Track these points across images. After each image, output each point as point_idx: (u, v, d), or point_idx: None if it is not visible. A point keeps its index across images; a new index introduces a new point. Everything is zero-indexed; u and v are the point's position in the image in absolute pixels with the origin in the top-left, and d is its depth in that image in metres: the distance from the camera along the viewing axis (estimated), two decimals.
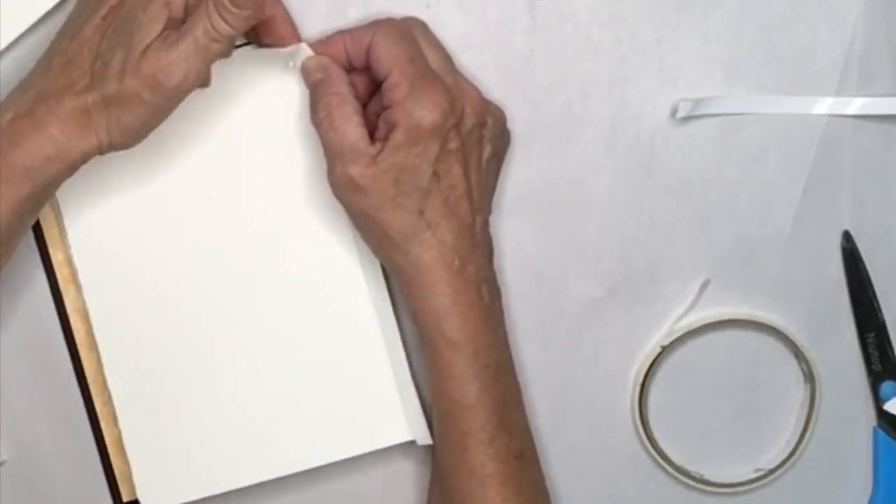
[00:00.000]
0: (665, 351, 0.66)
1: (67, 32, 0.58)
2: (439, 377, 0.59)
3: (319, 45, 0.60)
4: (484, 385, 0.59)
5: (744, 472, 0.68)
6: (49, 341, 0.63)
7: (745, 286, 0.66)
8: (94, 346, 0.62)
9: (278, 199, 0.62)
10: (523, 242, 0.65)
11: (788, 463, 0.67)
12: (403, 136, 0.57)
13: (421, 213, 0.58)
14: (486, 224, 0.61)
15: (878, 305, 0.66)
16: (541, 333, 0.65)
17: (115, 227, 0.62)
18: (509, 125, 0.63)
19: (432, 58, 0.59)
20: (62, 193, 0.60)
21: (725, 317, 0.66)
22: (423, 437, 0.63)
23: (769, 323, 0.66)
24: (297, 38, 0.60)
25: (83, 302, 0.62)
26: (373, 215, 0.58)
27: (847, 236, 0.66)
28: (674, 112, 0.64)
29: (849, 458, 0.68)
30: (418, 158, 0.57)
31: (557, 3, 0.63)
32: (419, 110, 0.57)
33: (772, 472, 0.67)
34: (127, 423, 0.62)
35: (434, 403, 0.60)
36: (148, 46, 0.55)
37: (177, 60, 0.55)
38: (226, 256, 0.62)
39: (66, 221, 0.62)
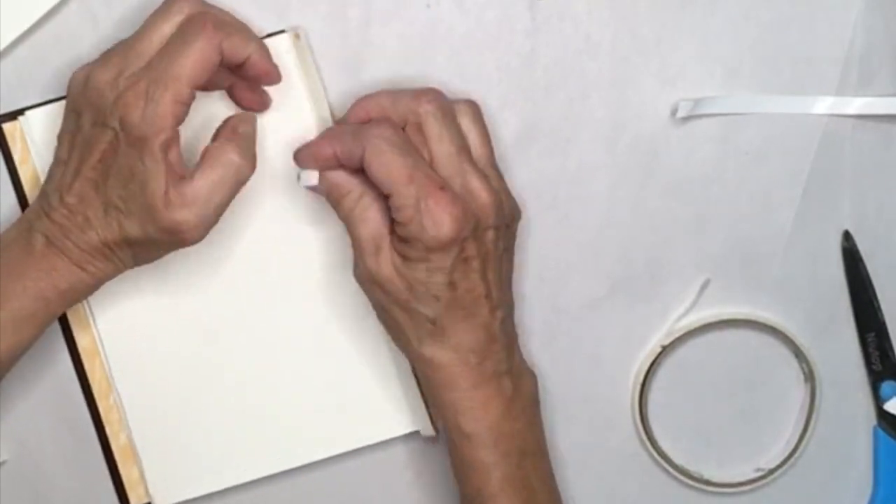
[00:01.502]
0: (665, 351, 0.66)
1: (68, 169, 0.57)
2: (461, 465, 0.59)
3: (309, 156, 0.59)
4: (506, 473, 0.58)
5: (744, 472, 0.68)
6: (51, 346, 0.63)
7: (745, 286, 0.66)
8: (97, 352, 0.63)
9: (274, 203, 0.62)
10: (523, 242, 0.64)
11: (788, 463, 0.67)
12: (417, 253, 0.56)
13: (434, 320, 0.57)
14: (507, 316, 0.59)
15: (878, 305, 0.66)
16: (541, 333, 0.65)
17: None
18: (509, 124, 0.63)
19: (451, 149, 0.57)
20: None
21: (725, 317, 0.66)
22: (427, 429, 0.63)
23: (769, 323, 0.66)
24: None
25: (87, 309, 0.62)
26: (388, 310, 0.58)
27: (847, 236, 0.66)
28: (674, 112, 0.64)
29: (849, 458, 0.68)
30: (432, 272, 0.56)
31: (557, 3, 0.63)
32: (430, 229, 0.55)
33: (772, 472, 0.67)
34: (137, 424, 0.63)
35: (459, 487, 0.60)
36: (162, 197, 0.55)
37: (195, 212, 0.56)
38: (226, 256, 0.62)
39: None
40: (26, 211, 0.59)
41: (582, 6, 0.63)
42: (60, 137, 0.58)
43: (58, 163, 0.57)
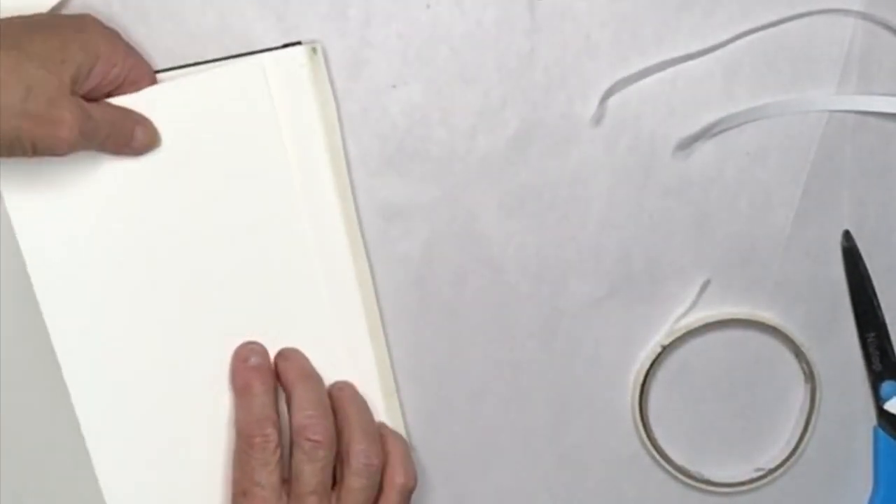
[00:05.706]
0: (665, 351, 0.66)
1: None
2: None
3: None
4: None
5: (744, 472, 0.68)
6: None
7: (745, 286, 0.66)
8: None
9: (244, 229, 0.59)
10: (523, 242, 0.64)
11: (788, 463, 0.67)
12: None
13: None
14: None
15: (878, 305, 0.66)
16: (541, 333, 0.65)
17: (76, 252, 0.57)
18: (509, 124, 0.63)
19: None
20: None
21: (725, 317, 0.66)
22: None
23: (769, 323, 0.66)
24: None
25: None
26: None
27: (847, 236, 0.66)
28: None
29: (849, 458, 0.68)
30: None
31: (557, 3, 0.63)
32: None
33: (772, 472, 0.67)
34: (103, 469, 0.57)
35: None
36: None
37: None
38: (193, 298, 0.58)
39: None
40: None
41: (582, 6, 0.63)
42: None
43: None
